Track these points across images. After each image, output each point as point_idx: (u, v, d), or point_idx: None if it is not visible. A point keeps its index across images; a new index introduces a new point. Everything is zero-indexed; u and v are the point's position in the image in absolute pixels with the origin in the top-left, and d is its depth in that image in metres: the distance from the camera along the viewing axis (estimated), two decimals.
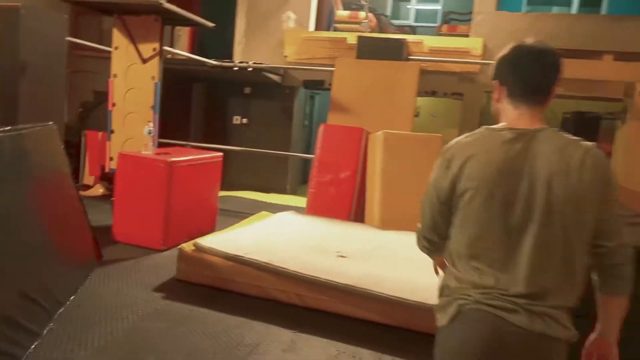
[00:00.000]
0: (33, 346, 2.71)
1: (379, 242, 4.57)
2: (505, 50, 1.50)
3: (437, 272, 1.77)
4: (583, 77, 5.38)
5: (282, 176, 8.48)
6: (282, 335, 3.19)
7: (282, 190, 8.45)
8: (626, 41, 6.60)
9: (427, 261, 1.86)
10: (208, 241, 4.02)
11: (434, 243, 1.62)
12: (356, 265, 3.80)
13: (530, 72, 1.45)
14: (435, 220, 1.57)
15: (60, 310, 3.18)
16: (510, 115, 1.49)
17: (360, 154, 5.73)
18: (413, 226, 3.13)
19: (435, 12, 12.60)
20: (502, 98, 1.51)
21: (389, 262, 3.97)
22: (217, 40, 9.20)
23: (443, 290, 1.54)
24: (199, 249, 3.93)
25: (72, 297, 3.41)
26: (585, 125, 7.93)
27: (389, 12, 12.74)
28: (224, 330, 3.18)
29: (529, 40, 1.49)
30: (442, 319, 1.51)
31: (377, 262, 3.97)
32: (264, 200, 7.61)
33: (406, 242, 4.38)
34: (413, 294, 3.32)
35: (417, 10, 12.77)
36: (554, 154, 1.40)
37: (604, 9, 11.69)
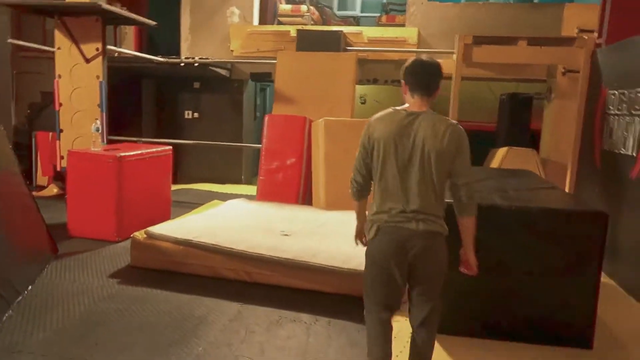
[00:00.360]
0: None
1: (322, 221, 4.93)
2: (408, 63, 2.31)
3: (356, 241, 2.57)
4: (502, 61, 5.85)
5: (236, 167, 8.73)
6: (230, 307, 3.50)
7: (237, 181, 8.71)
8: (544, 27, 7.18)
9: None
10: (158, 228, 4.28)
11: (360, 184, 2.40)
12: (298, 242, 4.15)
13: (420, 77, 2.27)
14: (361, 165, 2.36)
15: (19, 299, 3.39)
16: (410, 101, 2.30)
17: (304, 141, 6.07)
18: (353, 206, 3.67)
19: (380, 2, 13.03)
20: (406, 91, 2.31)
21: (329, 237, 4.33)
22: (167, 36, 9.30)
23: (369, 219, 2.34)
24: (150, 236, 4.19)
25: (29, 287, 3.62)
26: (519, 104, 8.51)
27: (335, 3, 13.08)
28: (175, 307, 3.47)
29: (423, 57, 2.31)
30: (369, 236, 2.33)
31: (318, 238, 4.33)
32: (219, 191, 7.86)
33: (347, 220, 4.77)
34: (345, 263, 3.70)
35: (363, 1, 13.16)
36: (429, 126, 2.21)
37: None
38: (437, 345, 3.07)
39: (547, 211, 3.01)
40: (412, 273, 2.25)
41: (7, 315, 3.16)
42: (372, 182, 2.36)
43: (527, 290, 3.08)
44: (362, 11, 12.86)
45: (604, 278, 4.47)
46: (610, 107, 4.69)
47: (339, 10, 13.12)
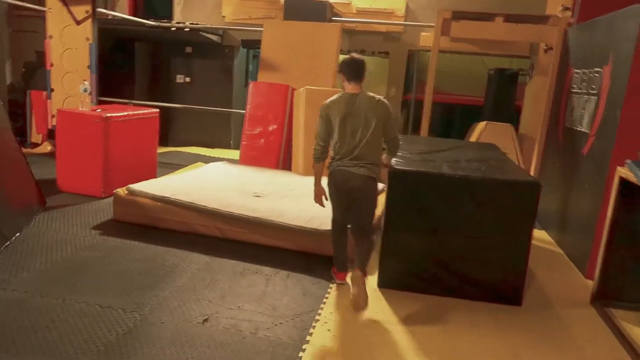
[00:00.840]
0: None
1: (297, 185, 5.22)
2: (344, 59, 3.27)
3: (315, 200, 3.46)
4: (479, 37, 6.01)
5: (225, 132, 8.98)
6: (199, 258, 3.83)
7: (226, 146, 8.97)
8: (530, 4, 7.29)
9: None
10: (139, 185, 4.58)
11: (323, 147, 3.32)
12: (268, 203, 4.45)
13: (354, 69, 3.23)
14: (325, 134, 3.29)
15: (7, 244, 3.73)
16: (348, 87, 3.28)
17: (286, 108, 6.30)
18: None
19: None
20: (344, 80, 3.26)
21: (298, 200, 4.63)
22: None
23: (331, 165, 3.32)
24: (130, 192, 4.49)
25: (17, 234, 3.95)
26: (505, 80, 8.68)
27: None
28: (149, 256, 3.80)
29: (354, 55, 3.31)
30: (330, 174, 3.32)
31: (288, 200, 4.63)
32: (207, 154, 8.14)
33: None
34: (308, 222, 4.01)
35: None
36: (366, 102, 3.23)
37: None
38: (381, 297, 3.43)
39: (485, 180, 3.30)
40: (353, 200, 3.30)
41: None
42: (329, 147, 3.34)
43: (466, 251, 3.40)
44: None
45: (554, 247, 4.82)
46: (574, 86, 4.91)
47: None
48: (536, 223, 5.34)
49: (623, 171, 3.31)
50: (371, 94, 3.28)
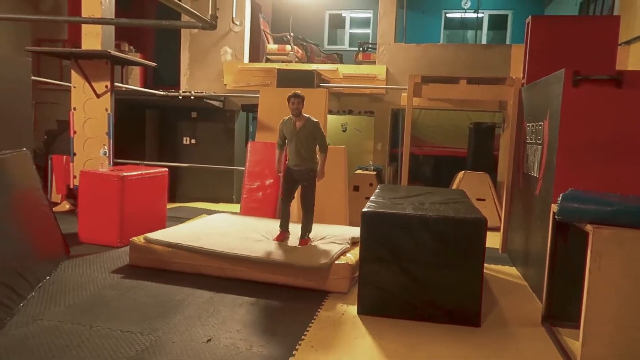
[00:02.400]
0: (21, 304, 3.90)
1: (291, 230, 5.87)
2: (290, 94, 5.20)
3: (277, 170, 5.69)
4: (446, 97, 6.87)
5: (228, 188, 9.74)
6: (204, 294, 4.45)
7: (229, 200, 9.70)
8: (496, 65, 8.23)
9: (317, 242, 4.91)
10: (154, 234, 5.27)
11: (281, 145, 5.44)
12: (265, 245, 5.10)
13: (294, 101, 5.14)
14: (281, 140, 5.42)
15: (39, 285, 4.37)
16: (292, 112, 5.27)
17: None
18: (323, 219, 5.21)
19: (367, 35, 14.25)
20: (289, 106, 5.21)
21: (292, 242, 5.28)
22: (171, 70, 10.47)
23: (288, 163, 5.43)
24: (147, 241, 5.16)
25: (47, 277, 4.60)
26: (483, 133, 9.53)
27: (325, 39, 14.30)
28: (161, 293, 4.42)
29: (297, 90, 5.30)
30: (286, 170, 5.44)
31: (283, 243, 5.28)
32: (211, 208, 8.85)
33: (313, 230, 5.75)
34: (299, 260, 4.65)
35: (351, 35, 14.40)
36: (302, 123, 5.26)
37: (508, 32, 13.56)
38: (359, 322, 4.01)
39: (439, 218, 3.96)
40: (298, 184, 5.38)
41: (30, 295, 4.13)
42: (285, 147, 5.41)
43: (429, 280, 4.01)
44: (350, 45, 14.08)
45: (520, 280, 5.41)
46: (527, 137, 5.67)
47: (329, 44, 14.36)
48: (508, 261, 5.99)
49: (555, 207, 3.98)
50: (307, 116, 5.25)
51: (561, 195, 3.46)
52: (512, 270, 5.75)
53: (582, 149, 4.36)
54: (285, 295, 4.49)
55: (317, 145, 5.26)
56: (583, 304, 3.28)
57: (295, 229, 5.50)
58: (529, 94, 5.82)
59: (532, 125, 5.44)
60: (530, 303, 4.67)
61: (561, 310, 4.10)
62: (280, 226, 5.47)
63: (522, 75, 6.29)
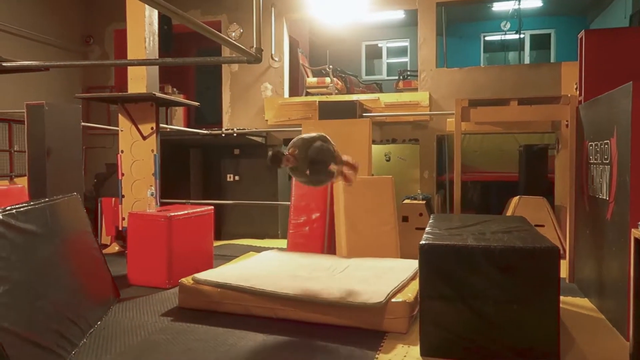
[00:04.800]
0: (73, 352, 3.81)
1: (342, 267, 5.63)
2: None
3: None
4: (497, 120, 6.58)
5: (273, 223, 9.63)
6: (256, 337, 4.24)
7: (274, 236, 9.57)
8: (544, 85, 7.88)
9: (374, 278, 4.61)
10: (202, 275, 5.15)
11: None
12: (318, 283, 4.87)
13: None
14: None
15: (91, 331, 4.29)
16: None
17: (327, 197, 6.90)
18: (373, 253, 4.94)
19: (404, 63, 14.17)
20: None
21: (346, 279, 5.03)
22: (212, 108, 10.65)
23: None
24: (196, 281, 5.05)
25: (98, 323, 4.52)
26: (534, 155, 9.11)
27: (363, 70, 14.31)
28: (212, 337, 4.25)
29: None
30: None
31: (337, 280, 5.04)
32: (257, 245, 8.73)
33: (364, 265, 5.53)
34: (355, 298, 4.39)
35: (389, 64, 14.36)
36: None
37: (552, 51, 13.19)
38: None
39: (506, 249, 3.65)
40: None
41: (83, 342, 4.04)
42: None
43: (497, 318, 3.67)
44: (387, 74, 14.03)
45: (596, 313, 4.94)
46: (591, 157, 5.29)
47: (366, 75, 14.35)
48: (578, 292, 5.52)
49: (637, 232, 3.60)
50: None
51: None
52: (585, 301, 5.28)
53: None
54: (341, 335, 4.22)
55: None
56: None
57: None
58: (589, 112, 5.47)
59: (596, 145, 5.07)
60: (612, 340, 4.22)
61: None
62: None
63: (578, 92, 5.95)
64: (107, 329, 4.46)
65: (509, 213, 7.85)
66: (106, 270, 5.20)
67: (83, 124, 8.57)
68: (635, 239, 3.60)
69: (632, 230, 3.67)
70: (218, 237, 9.25)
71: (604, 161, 4.79)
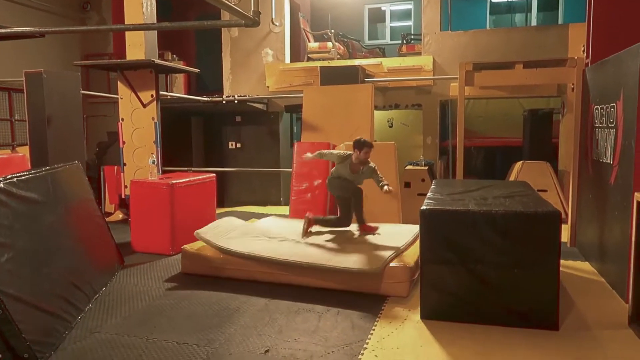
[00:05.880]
0: (79, 317, 3.88)
1: (342, 231, 5.66)
2: (363, 141, 5.27)
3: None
4: (502, 84, 6.46)
5: (275, 190, 9.64)
6: (258, 302, 4.30)
7: (277, 203, 9.60)
8: (551, 47, 7.70)
9: (372, 244, 4.65)
10: (203, 231, 5.25)
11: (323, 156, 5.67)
12: (317, 249, 4.91)
13: (367, 151, 5.34)
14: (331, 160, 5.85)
15: (96, 296, 4.36)
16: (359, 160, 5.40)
17: (329, 163, 6.86)
18: (374, 219, 5.02)
19: (409, 27, 13.87)
20: (361, 156, 5.32)
21: (346, 244, 5.06)
22: (214, 75, 10.51)
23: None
24: (197, 236, 5.14)
25: (103, 289, 4.59)
26: (539, 120, 8.99)
27: (366, 34, 14.02)
28: (215, 301, 4.31)
29: (367, 140, 5.32)
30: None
31: (336, 244, 5.07)
32: (260, 212, 8.76)
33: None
34: (355, 263, 4.42)
35: (392, 28, 14.03)
36: (364, 167, 5.40)
37: (560, 12, 12.83)
38: (423, 327, 3.75)
39: (507, 213, 3.64)
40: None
41: (88, 307, 4.11)
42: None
43: (498, 281, 3.69)
44: (391, 39, 13.74)
45: (596, 276, 4.96)
46: (596, 121, 5.21)
47: (370, 39, 14.06)
48: (579, 255, 5.54)
49: None
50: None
51: None
52: (586, 265, 5.30)
53: None
54: (342, 300, 4.27)
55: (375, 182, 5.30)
56: None
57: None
58: (595, 75, 5.35)
59: (602, 108, 4.98)
60: (612, 302, 4.25)
61: None
62: (359, 221, 5.58)
63: (585, 54, 5.81)
64: (112, 294, 4.53)
65: (512, 178, 7.81)
66: (110, 237, 5.24)
67: (83, 92, 8.51)
68: (638, 203, 3.57)
69: (635, 194, 3.64)
70: (221, 204, 9.28)
71: (610, 125, 4.72)
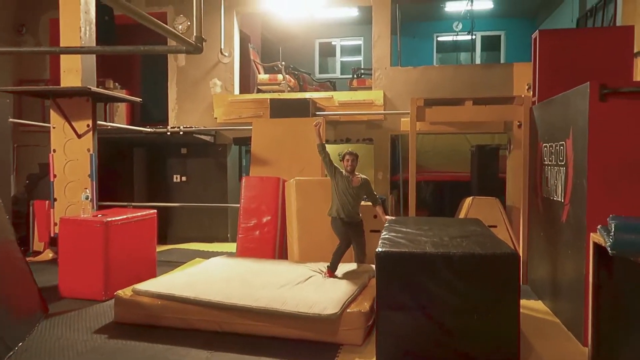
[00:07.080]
0: None
1: (295, 273, 5.32)
2: (345, 151, 5.36)
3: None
4: (452, 120, 6.49)
5: (222, 226, 9.19)
6: (200, 355, 3.88)
7: (224, 239, 9.14)
8: (497, 85, 7.90)
9: (329, 285, 4.45)
10: (143, 285, 4.72)
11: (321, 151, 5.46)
12: (269, 292, 4.53)
13: (349, 159, 5.36)
14: (327, 162, 5.43)
15: (10, 354, 3.79)
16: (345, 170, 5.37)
17: (278, 199, 6.59)
18: (326, 258, 4.69)
19: (358, 62, 14.06)
20: (345, 165, 5.37)
21: (299, 288, 4.72)
22: (159, 105, 10.06)
23: (331, 211, 5.36)
24: (136, 292, 4.61)
25: (20, 344, 4.02)
26: (487, 155, 9.15)
27: (317, 68, 14.08)
28: (150, 355, 3.86)
29: (350, 149, 5.41)
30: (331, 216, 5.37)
31: (288, 288, 4.71)
32: (206, 249, 8.28)
33: (317, 270, 5.24)
34: (311, 308, 4.10)
35: (342, 63, 14.19)
36: (358, 180, 5.33)
37: (502, 52, 13.41)
38: None
39: (465, 256, 3.48)
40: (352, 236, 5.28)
41: None
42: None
43: (456, 326, 3.49)
44: (341, 73, 13.86)
45: (550, 316, 4.88)
46: (545, 158, 5.24)
47: (320, 73, 14.12)
48: (532, 294, 5.48)
49: (596, 237, 3.51)
50: (357, 172, 5.34)
51: (613, 224, 2.98)
52: (539, 304, 5.23)
53: (615, 169, 3.93)
54: (292, 351, 3.93)
55: (370, 200, 5.39)
56: None
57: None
58: (543, 112, 5.43)
59: (551, 146, 5.02)
60: (569, 344, 4.14)
61: (610, 353, 3.58)
62: (331, 267, 5.19)
63: (532, 93, 5.92)
64: (30, 349, 3.97)
65: (462, 213, 7.79)
66: (32, 282, 4.67)
67: (13, 120, 7.88)
68: (594, 244, 3.51)
69: (591, 234, 3.58)
70: (164, 241, 8.74)
71: (559, 163, 4.74)
